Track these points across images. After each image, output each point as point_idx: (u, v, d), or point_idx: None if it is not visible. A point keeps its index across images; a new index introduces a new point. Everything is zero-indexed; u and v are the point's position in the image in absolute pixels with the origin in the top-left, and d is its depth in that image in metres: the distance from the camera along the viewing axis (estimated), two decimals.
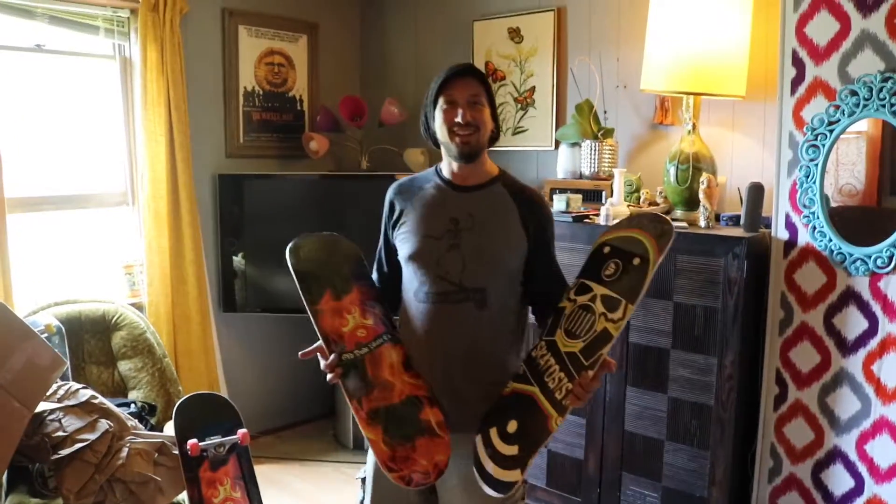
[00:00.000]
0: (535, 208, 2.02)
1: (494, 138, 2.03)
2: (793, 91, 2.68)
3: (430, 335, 1.98)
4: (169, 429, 2.80)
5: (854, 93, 2.51)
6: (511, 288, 2.01)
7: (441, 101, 1.94)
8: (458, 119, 1.92)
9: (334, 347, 1.89)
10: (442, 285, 1.95)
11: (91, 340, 3.20)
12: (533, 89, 3.82)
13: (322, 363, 1.89)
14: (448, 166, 2.04)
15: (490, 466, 1.85)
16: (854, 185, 2.75)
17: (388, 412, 1.89)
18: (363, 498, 2.13)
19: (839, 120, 2.56)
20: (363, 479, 2.13)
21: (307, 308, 1.91)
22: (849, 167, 2.73)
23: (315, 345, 1.91)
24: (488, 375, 1.98)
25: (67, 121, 3.59)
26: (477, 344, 1.97)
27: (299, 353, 1.93)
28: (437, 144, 2.03)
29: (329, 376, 1.88)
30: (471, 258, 1.94)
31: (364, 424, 1.86)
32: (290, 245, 1.97)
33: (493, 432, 1.89)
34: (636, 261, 1.85)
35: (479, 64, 3.99)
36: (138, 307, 3.57)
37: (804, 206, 2.69)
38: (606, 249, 1.95)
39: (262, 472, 3.00)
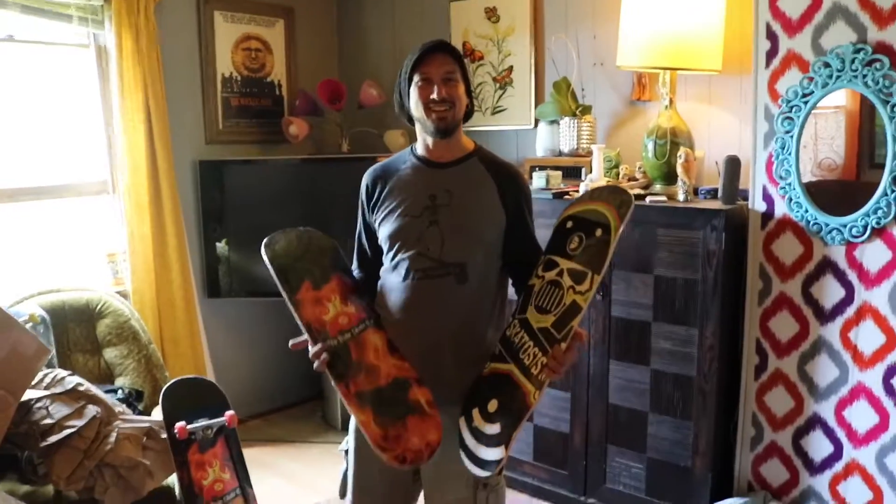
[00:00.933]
0: (511, 182, 2.04)
1: (469, 114, 2.05)
2: (767, 64, 2.70)
3: (412, 311, 2.00)
4: (157, 415, 2.81)
5: (827, 64, 2.54)
6: (491, 262, 2.03)
7: (416, 77, 1.95)
8: (434, 96, 1.93)
9: (317, 336, 1.90)
10: (422, 262, 1.97)
11: (76, 329, 3.19)
12: (511, 68, 3.83)
13: (310, 351, 1.90)
14: (423, 144, 2.05)
15: (475, 446, 1.88)
16: (833, 159, 2.77)
17: (376, 394, 1.90)
18: (346, 469, 2.15)
19: (813, 92, 2.60)
20: (346, 451, 2.14)
21: (287, 300, 1.91)
22: (828, 141, 2.76)
23: (303, 336, 1.92)
24: (469, 350, 2.01)
25: (44, 111, 3.55)
26: (458, 318, 1.99)
27: (290, 343, 1.95)
28: (410, 121, 2.04)
29: (316, 364, 1.89)
30: (450, 233, 1.95)
31: (353, 407, 1.87)
32: (264, 241, 1.98)
33: (476, 413, 1.92)
34: (598, 232, 1.88)
35: (457, 44, 3.98)
36: (122, 295, 3.56)
37: (780, 177, 2.72)
38: (569, 224, 1.98)
39: (252, 454, 3.01)
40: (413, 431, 1.89)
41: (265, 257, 1.94)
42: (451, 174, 2.01)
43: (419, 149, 2.07)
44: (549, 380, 1.82)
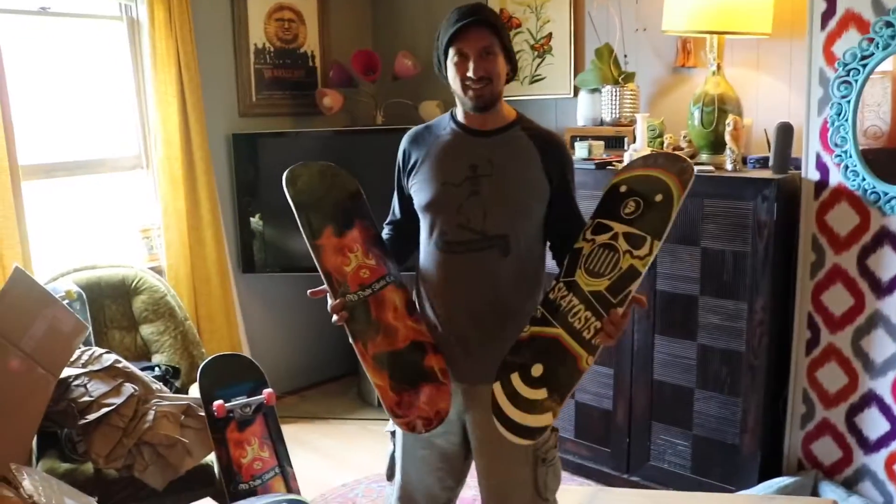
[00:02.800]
0: (555, 152, 1.96)
1: (510, 79, 1.95)
2: (823, 25, 2.59)
3: (453, 284, 1.94)
4: (193, 392, 2.79)
5: (889, 24, 2.42)
6: (533, 233, 1.96)
7: (451, 52, 1.86)
8: (470, 73, 1.84)
9: (337, 287, 1.86)
10: (464, 234, 1.90)
11: (112, 305, 3.18)
12: (549, 35, 3.72)
13: (329, 303, 1.87)
14: (463, 111, 1.96)
15: (514, 413, 1.80)
16: (880, 126, 2.68)
17: (393, 358, 1.88)
18: (394, 451, 2.11)
19: (873, 54, 2.48)
20: (393, 433, 2.10)
21: (307, 242, 1.88)
22: (874, 108, 2.66)
23: (323, 286, 1.88)
24: (511, 323, 1.93)
25: (77, 84, 3.53)
26: (501, 291, 1.93)
27: (308, 291, 1.93)
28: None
29: (335, 318, 1.86)
30: (492, 205, 1.88)
31: (370, 369, 1.85)
32: (286, 174, 1.93)
33: (516, 378, 1.83)
34: (658, 197, 1.81)
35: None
36: (157, 271, 3.55)
37: (836, 145, 2.62)
38: (623, 188, 1.90)
39: (288, 431, 2.99)
40: (424, 400, 1.87)
41: (287, 194, 1.90)
42: (493, 143, 1.93)
43: (459, 115, 1.98)
44: (604, 345, 1.75)
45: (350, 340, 1.86)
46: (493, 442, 1.91)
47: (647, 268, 1.75)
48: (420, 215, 1.99)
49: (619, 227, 1.83)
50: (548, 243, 2.03)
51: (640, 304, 1.79)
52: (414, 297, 2.02)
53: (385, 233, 2.12)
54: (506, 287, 1.93)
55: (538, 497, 1.98)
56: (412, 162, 2.00)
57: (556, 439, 2.01)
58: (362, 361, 1.86)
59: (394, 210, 2.13)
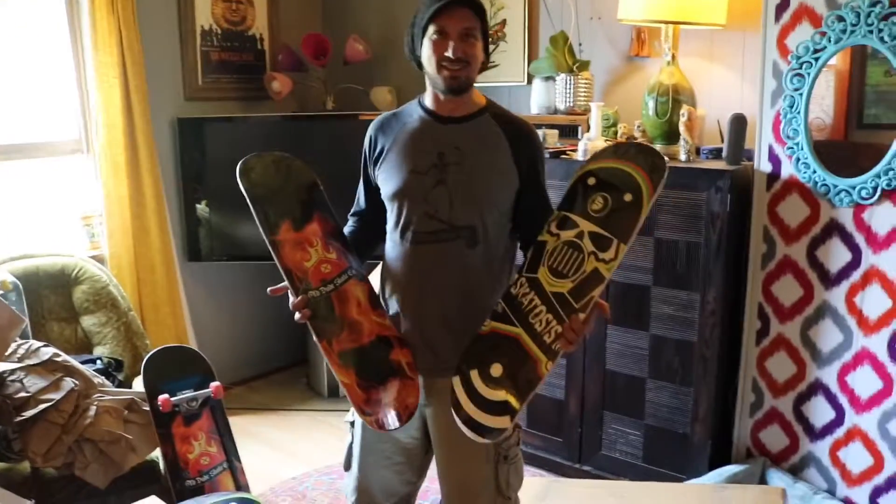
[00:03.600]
0: (525, 140, 1.91)
1: (483, 68, 1.91)
2: (777, 18, 2.61)
3: (419, 276, 1.89)
4: (138, 385, 2.71)
5: (841, 18, 2.44)
6: (501, 225, 1.91)
7: (431, 29, 1.80)
8: (449, 53, 1.78)
9: (298, 284, 1.81)
10: (430, 224, 1.85)
11: (51, 296, 3.06)
12: (504, 22, 3.69)
13: (291, 301, 1.81)
14: (431, 96, 1.91)
15: (472, 410, 1.77)
16: (823, 118, 2.73)
17: (359, 354, 1.83)
18: (352, 442, 2.06)
19: (825, 47, 2.50)
20: (352, 423, 2.05)
21: (265, 238, 1.82)
22: (817, 100, 2.69)
23: (283, 283, 1.83)
24: (479, 315, 1.89)
25: (12, 64, 3.39)
26: (468, 283, 1.88)
27: (268, 289, 1.87)
28: (420, 67, 1.90)
29: (297, 316, 1.80)
30: (459, 194, 1.83)
31: (336, 367, 1.80)
32: (239, 166, 1.86)
33: (475, 375, 1.79)
34: (628, 197, 1.75)
35: None
36: (99, 259, 3.43)
37: (788, 137, 2.64)
38: (591, 181, 1.83)
39: (236, 423, 2.92)
40: (392, 395, 1.83)
41: (242, 187, 1.83)
42: (461, 130, 1.88)
43: (427, 101, 1.92)
44: (564, 351, 1.72)
45: (314, 339, 1.81)
46: (452, 437, 1.87)
47: (611, 273, 1.71)
48: (387, 205, 1.94)
49: (585, 225, 1.78)
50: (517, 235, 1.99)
51: (602, 312, 1.75)
52: (378, 290, 1.97)
53: (349, 224, 2.06)
54: (473, 279, 1.88)
55: (500, 495, 1.95)
56: (378, 150, 1.94)
57: (519, 436, 1.98)
58: (328, 359, 1.81)
59: (358, 200, 2.07)
